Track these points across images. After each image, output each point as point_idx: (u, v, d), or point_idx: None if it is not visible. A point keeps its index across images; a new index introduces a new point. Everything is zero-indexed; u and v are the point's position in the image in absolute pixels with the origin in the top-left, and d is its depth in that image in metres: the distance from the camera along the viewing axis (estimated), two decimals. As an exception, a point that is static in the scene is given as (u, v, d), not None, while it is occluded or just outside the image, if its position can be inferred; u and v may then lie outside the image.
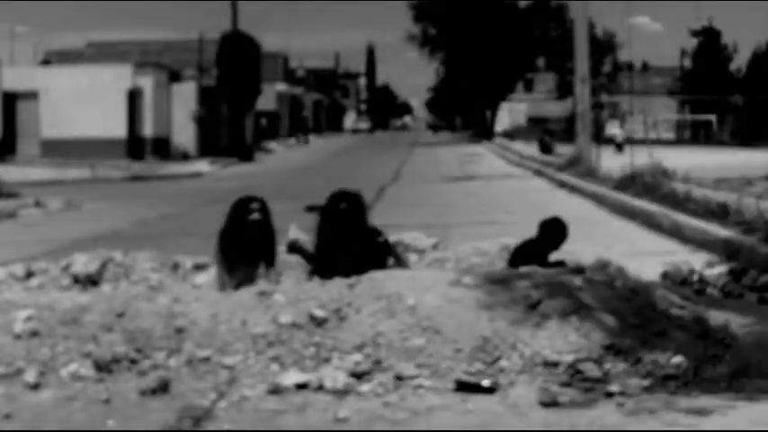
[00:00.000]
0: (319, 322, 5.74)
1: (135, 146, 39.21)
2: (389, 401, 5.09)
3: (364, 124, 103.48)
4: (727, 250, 9.79)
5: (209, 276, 8.02)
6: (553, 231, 7.63)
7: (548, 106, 79.98)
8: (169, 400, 5.17)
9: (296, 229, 8.10)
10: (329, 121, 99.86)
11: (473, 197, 20.29)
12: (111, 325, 5.79)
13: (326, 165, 37.43)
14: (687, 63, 69.75)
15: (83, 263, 7.67)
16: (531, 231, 7.97)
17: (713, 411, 4.81)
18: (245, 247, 7.12)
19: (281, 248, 7.97)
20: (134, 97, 39.66)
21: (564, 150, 32.14)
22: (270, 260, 7.21)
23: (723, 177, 19.89)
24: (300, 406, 5.05)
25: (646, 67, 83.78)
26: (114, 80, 38.99)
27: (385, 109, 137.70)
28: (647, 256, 9.83)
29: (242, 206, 7.22)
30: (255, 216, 7.13)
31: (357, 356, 5.47)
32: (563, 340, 5.49)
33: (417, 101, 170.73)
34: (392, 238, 8.10)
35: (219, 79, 44.78)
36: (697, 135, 66.49)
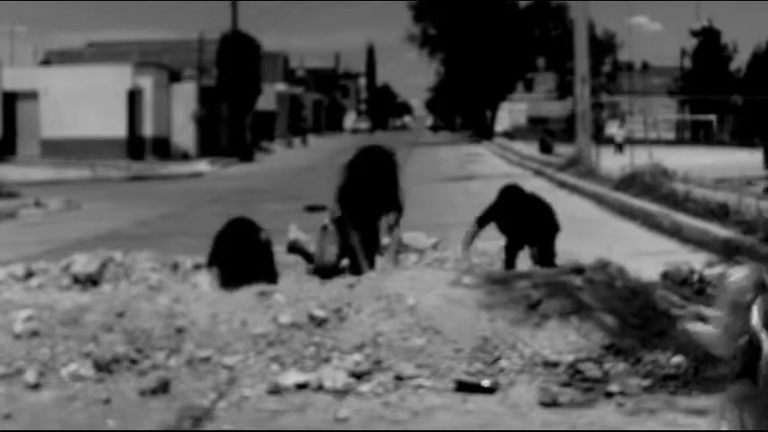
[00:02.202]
0: (319, 322, 5.74)
1: (135, 146, 39.19)
2: (389, 401, 5.09)
3: (364, 124, 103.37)
4: (727, 250, 9.79)
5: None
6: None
7: (548, 106, 79.94)
8: (169, 400, 5.17)
9: (296, 229, 8.11)
10: (329, 121, 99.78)
11: (473, 197, 20.25)
12: (112, 325, 5.79)
13: (327, 165, 37.36)
14: (687, 63, 69.76)
15: (83, 263, 7.67)
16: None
17: (713, 411, 4.81)
18: (241, 269, 6.94)
19: (281, 248, 7.97)
20: (134, 97, 39.63)
21: (564, 150, 32.10)
22: (271, 278, 7.01)
23: (723, 177, 19.88)
24: (300, 406, 5.05)
25: (646, 67, 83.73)
26: (114, 80, 38.96)
27: (385, 109, 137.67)
28: (647, 256, 9.82)
29: (234, 228, 7.12)
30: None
31: (357, 356, 5.47)
32: (563, 340, 5.49)
33: (417, 101, 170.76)
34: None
35: (219, 79, 44.78)
36: (697, 135, 66.46)
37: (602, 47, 64.74)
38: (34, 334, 5.74)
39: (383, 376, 5.31)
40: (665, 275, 8.28)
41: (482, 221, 8.07)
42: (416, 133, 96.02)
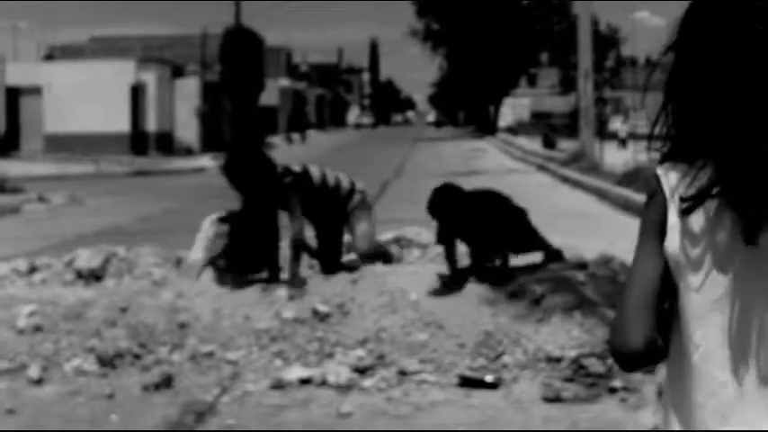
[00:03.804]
0: (322, 317, 5.74)
1: (138, 141, 39.19)
2: (392, 396, 5.09)
3: (367, 119, 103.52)
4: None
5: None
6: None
7: (551, 101, 79.91)
8: (172, 395, 5.17)
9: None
10: (332, 117, 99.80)
11: (476, 192, 20.24)
12: (115, 320, 5.79)
13: (330, 160, 37.37)
14: (691, 58, 69.55)
15: (86, 258, 7.66)
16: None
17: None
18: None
19: (284, 243, 7.95)
20: (137, 92, 39.63)
21: (567, 145, 32.07)
22: (272, 270, 6.94)
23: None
24: (303, 401, 5.05)
25: (649, 62, 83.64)
26: (117, 75, 38.95)
27: (388, 104, 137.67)
28: (650, 252, 9.80)
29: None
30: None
31: (360, 351, 5.47)
32: (566, 335, 5.48)
33: (420, 96, 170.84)
34: (395, 232, 8.08)
35: (223, 74, 44.67)
36: (701, 130, 66.30)
37: (606, 42, 64.71)
38: (37, 329, 5.74)
39: (386, 371, 5.31)
40: (669, 271, 8.25)
41: (442, 238, 6.35)
42: (419, 128, 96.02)
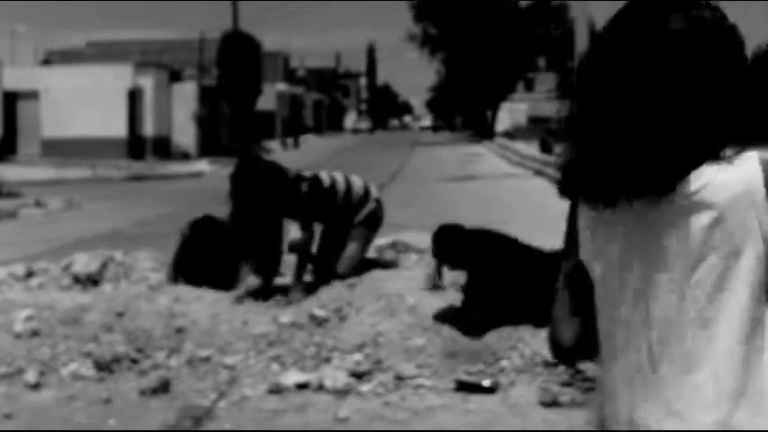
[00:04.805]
0: (320, 322, 5.74)
1: (135, 145, 39.17)
2: (390, 401, 5.08)
3: (365, 124, 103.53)
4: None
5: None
6: None
7: (548, 106, 79.91)
8: (169, 399, 5.16)
9: (297, 229, 8.08)
10: (330, 121, 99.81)
11: (473, 197, 20.27)
12: (112, 325, 5.79)
13: (327, 164, 37.36)
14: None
15: (83, 262, 7.66)
16: (531, 231, 7.95)
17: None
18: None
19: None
20: (134, 97, 39.61)
21: (564, 150, 32.02)
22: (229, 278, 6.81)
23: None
24: (301, 406, 5.05)
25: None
26: (115, 80, 38.94)
27: (385, 109, 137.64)
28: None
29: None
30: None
31: (357, 356, 5.47)
32: (563, 340, 5.48)
33: (418, 101, 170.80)
34: (392, 237, 8.09)
35: (220, 79, 44.71)
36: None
37: (603, 46, 64.74)
38: (35, 334, 5.74)
39: (383, 376, 5.31)
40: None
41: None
42: (416, 133, 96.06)
